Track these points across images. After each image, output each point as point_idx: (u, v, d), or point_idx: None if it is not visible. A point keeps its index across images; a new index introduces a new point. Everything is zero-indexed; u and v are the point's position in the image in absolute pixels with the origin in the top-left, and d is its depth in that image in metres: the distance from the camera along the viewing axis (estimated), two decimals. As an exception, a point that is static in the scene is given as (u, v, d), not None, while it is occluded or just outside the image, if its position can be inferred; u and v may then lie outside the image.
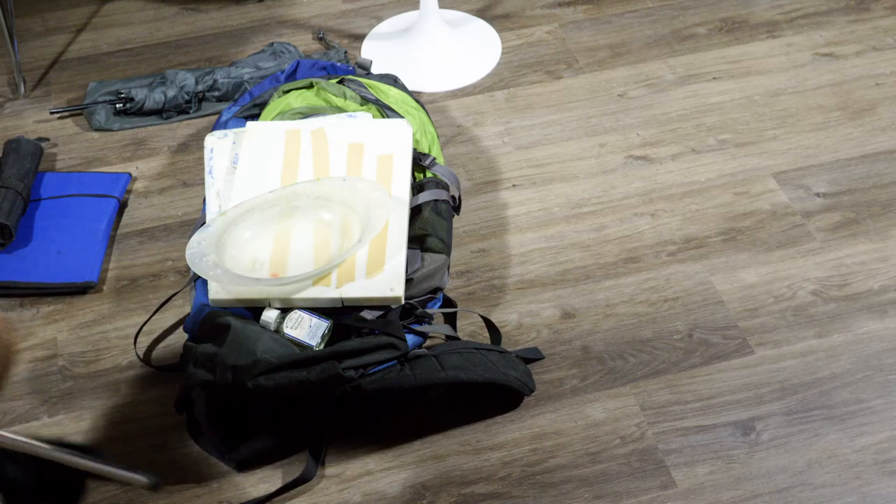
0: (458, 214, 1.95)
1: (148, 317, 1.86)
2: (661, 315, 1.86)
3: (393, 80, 2.08)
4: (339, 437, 1.70)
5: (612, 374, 1.77)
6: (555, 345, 1.82)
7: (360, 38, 2.54)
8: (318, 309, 1.64)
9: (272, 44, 2.43)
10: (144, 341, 1.85)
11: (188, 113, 2.31)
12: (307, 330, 1.61)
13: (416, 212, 1.80)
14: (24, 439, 1.27)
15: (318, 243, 1.70)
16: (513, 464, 1.66)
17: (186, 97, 2.30)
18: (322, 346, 1.61)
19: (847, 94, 2.29)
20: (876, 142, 2.17)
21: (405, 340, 1.61)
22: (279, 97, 1.99)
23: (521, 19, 2.56)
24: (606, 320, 1.86)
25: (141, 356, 1.82)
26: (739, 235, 1.99)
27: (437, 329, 1.74)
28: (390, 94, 2.01)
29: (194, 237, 1.68)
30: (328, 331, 1.62)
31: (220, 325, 1.61)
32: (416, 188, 1.83)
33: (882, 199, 2.05)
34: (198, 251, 1.65)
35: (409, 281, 1.68)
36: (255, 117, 1.99)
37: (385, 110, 1.95)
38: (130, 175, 2.18)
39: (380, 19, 2.59)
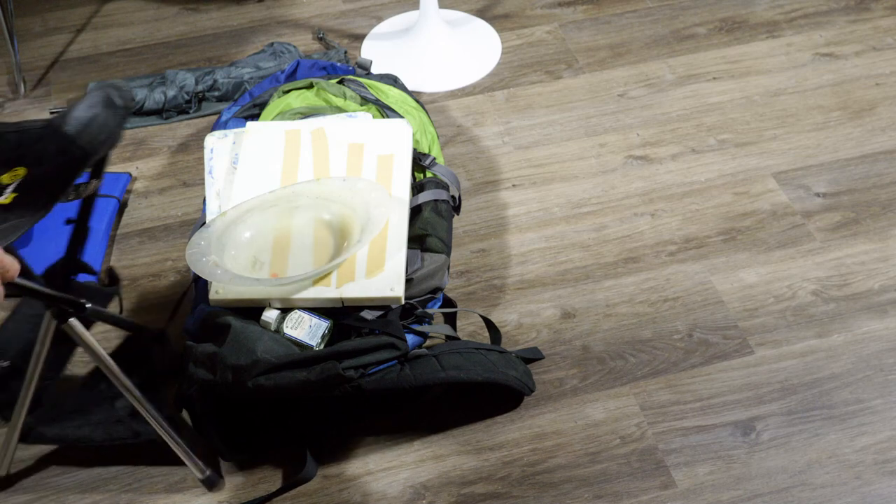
0: (458, 214, 1.95)
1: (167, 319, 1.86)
2: (661, 315, 1.86)
3: (393, 80, 2.08)
4: (339, 437, 1.70)
5: (612, 374, 1.77)
6: (555, 345, 1.82)
7: (360, 38, 2.54)
8: (318, 309, 1.64)
9: (272, 44, 2.43)
10: (144, 341, 1.86)
11: (188, 113, 2.31)
12: (307, 330, 1.61)
13: (416, 212, 1.80)
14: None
15: (318, 243, 1.69)
16: (513, 464, 1.66)
17: (186, 97, 2.30)
18: (322, 346, 1.61)
19: (847, 94, 2.29)
20: (876, 142, 2.17)
21: (405, 340, 1.61)
22: (279, 97, 1.99)
23: (521, 19, 2.56)
24: (606, 320, 1.86)
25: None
26: (739, 235, 1.99)
27: (437, 329, 1.74)
28: (390, 94, 2.01)
29: (194, 237, 1.68)
30: (328, 331, 1.62)
31: (220, 325, 1.61)
32: (416, 188, 1.83)
33: (882, 199, 2.05)
34: (198, 251, 1.64)
35: (409, 281, 1.68)
36: (255, 117, 1.99)
37: (385, 110, 1.95)
38: (130, 175, 2.18)
39: (380, 19, 2.59)
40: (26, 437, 1.64)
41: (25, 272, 1.37)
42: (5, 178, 1.37)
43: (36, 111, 2.35)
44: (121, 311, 1.84)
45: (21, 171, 1.38)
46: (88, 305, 1.49)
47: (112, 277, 1.76)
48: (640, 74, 2.37)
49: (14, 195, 1.36)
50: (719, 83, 2.34)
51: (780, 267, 1.93)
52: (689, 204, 2.06)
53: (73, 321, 1.49)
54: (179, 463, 1.67)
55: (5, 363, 1.64)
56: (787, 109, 2.26)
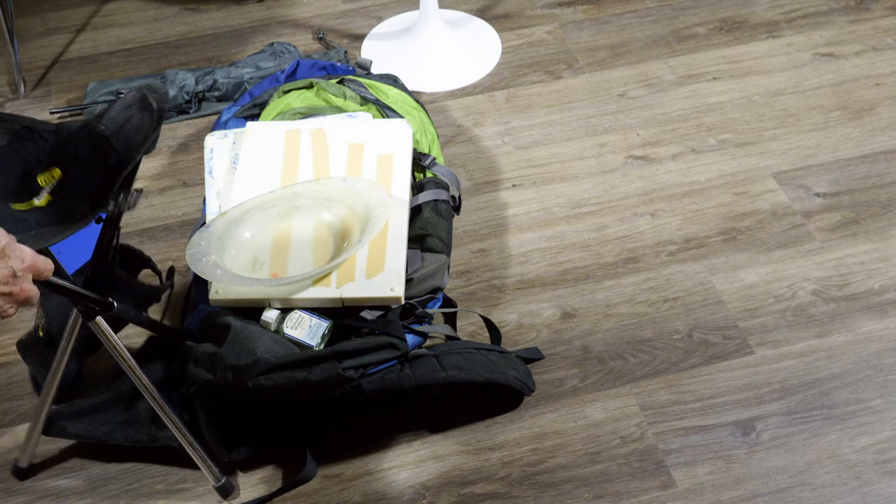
0: (458, 214, 1.95)
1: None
2: (661, 315, 1.86)
3: (393, 80, 2.08)
4: (339, 437, 1.70)
5: (612, 374, 1.77)
6: (555, 345, 1.82)
7: (360, 38, 2.54)
8: (318, 309, 1.64)
9: (272, 44, 2.43)
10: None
11: (188, 113, 2.31)
12: (307, 330, 1.61)
13: (416, 212, 1.80)
14: None
15: (318, 243, 1.69)
16: (513, 464, 1.66)
17: (186, 97, 2.30)
18: (322, 346, 1.61)
19: (847, 94, 2.29)
20: (876, 142, 2.17)
21: (405, 340, 1.61)
22: (279, 97, 1.99)
23: (521, 19, 2.56)
24: (606, 320, 1.86)
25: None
26: (739, 235, 1.99)
27: (437, 329, 1.74)
28: (390, 94, 2.01)
29: (194, 237, 1.68)
30: (328, 331, 1.62)
31: (220, 325, 1.61)
32: (416, 188, 1.83)
33: (882, 199, 2.05)
34: (198, 251, 1.64)
35: (409, 281, 1.68)
36: (255, 117, 1.99)
37: (385, 110, 1.95)
38: (130, 175, 2.18)
39: (380, 19, 2.59)
40: (48, 430, 1.65)
41: (57, 270, 1.38)
42: (41, 179, 1.38)
43: (36, 111, 2.35)
44: (165, 312, 1.85)
45: (57, 173, 1.38)
46: (116, 305, 1.49)
47: (170, 274, 1.78)
48: (640, 74, 2.37)
49: (49, 198, 1.36)
50: (719, 83, 2.34)
51: (780, 267, 1.93)
52: (689, 204, 2.06)
53: (100, 320, 1.49)
54: (179, 464, 1.67)
55: (40, 333, 1.64)
56: (787, 109, 2.26)
